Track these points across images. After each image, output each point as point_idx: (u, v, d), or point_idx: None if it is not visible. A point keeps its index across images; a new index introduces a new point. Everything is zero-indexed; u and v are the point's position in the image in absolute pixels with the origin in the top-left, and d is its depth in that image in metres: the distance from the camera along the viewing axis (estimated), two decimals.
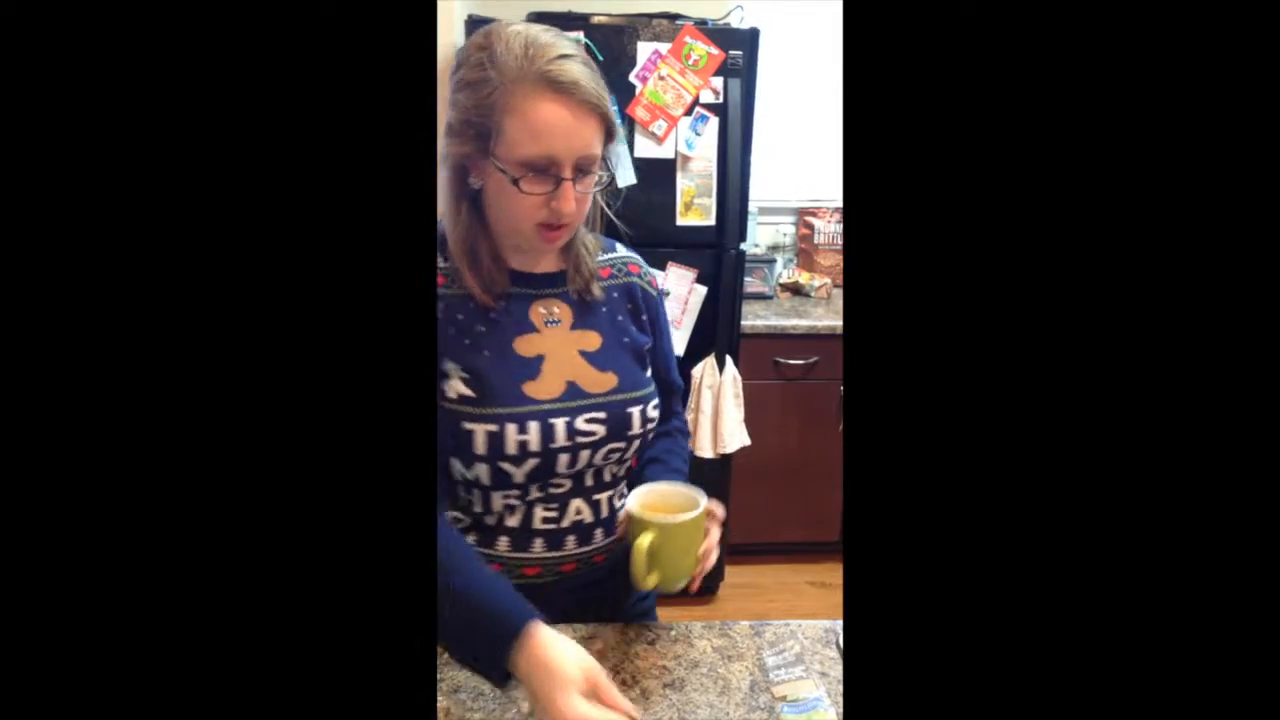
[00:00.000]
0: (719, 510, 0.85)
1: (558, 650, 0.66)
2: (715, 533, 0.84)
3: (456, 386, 0.79)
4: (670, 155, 1.90)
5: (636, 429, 0.87)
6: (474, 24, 1.82)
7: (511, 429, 0.79)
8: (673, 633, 0.88)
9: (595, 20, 1.86)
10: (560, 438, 0.81)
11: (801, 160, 2.63)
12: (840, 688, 0.80)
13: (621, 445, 0.86)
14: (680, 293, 1.96)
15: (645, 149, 1.89)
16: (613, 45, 1.84)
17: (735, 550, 2.33)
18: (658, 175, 1.90)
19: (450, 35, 1.94)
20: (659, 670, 0.82)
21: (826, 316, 2.24)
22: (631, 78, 1.85)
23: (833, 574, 2.33)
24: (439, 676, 0.79)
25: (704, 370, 2.00)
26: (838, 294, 2.48)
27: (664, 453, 0.95)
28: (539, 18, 1.86)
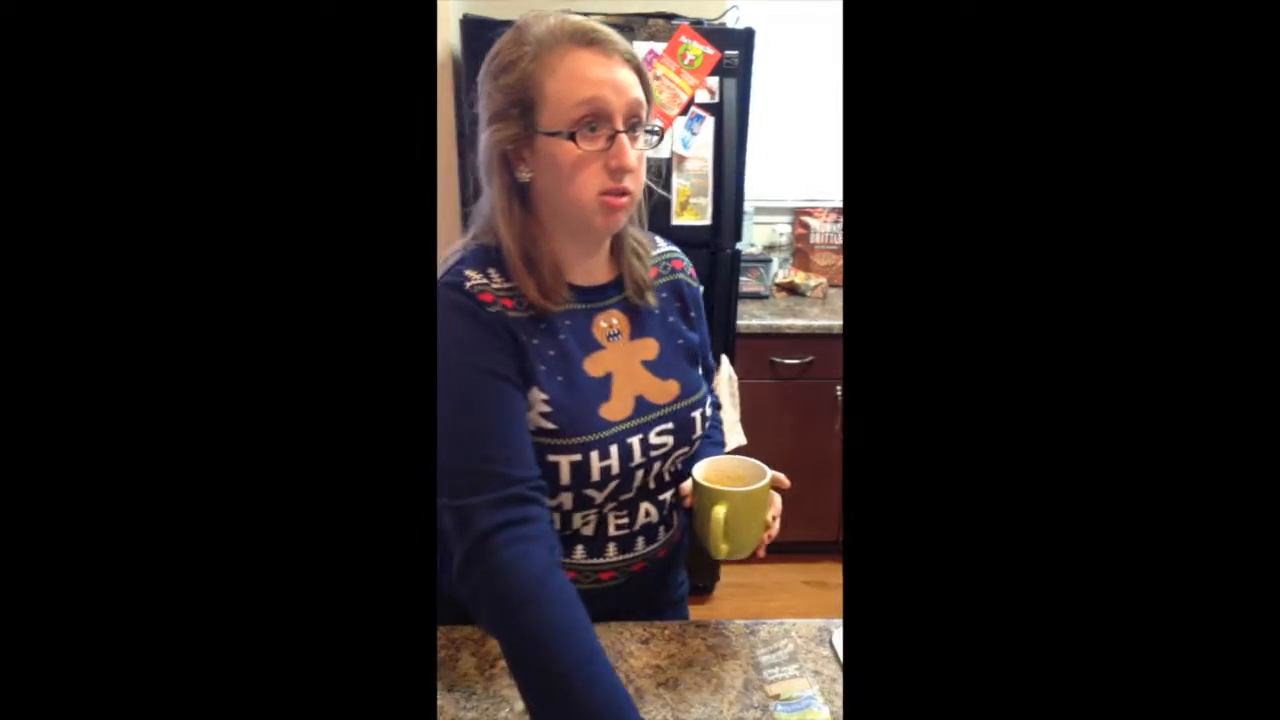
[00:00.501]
0: (784, 480, 0.85)
1: None
2: (778, 501, 0.85)
3: (536, 419, 0.76)
4: (666, 155, 1.90)
5: (699, 431, 0.88)
6: (469, 24, 1.81)
7: (595, 456, 0.78)
8: (667, 631, 0.88)
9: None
10: (637, 456, 0.81)
11: (798, 160, 2.63)
12: (834, 686, 0.80)
13: (686, 449, 0.87)
14: None
15: None
16: None
17: None
18: (653, 174, 1.90)
19: (445, 33, 1.93)
20: (652, 670, 0.82)
21: (822, 316, 2.24)
22: None
23: (829, 573, 2.33)
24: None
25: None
26: (834, 294, 2.49)
27: (710, 428, 0.96)
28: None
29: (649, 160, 0.81)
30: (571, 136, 0.72)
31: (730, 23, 2.02)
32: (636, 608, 0.90)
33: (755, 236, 2.55)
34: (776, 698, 0.78)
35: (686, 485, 0.86)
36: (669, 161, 1.90)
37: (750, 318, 2.18)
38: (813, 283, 2.45)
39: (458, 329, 0.72)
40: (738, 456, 0.86)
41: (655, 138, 0.78)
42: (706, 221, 1.96)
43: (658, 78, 1.84)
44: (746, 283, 2.36)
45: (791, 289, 2.48)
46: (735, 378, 2.04)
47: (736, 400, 2.05)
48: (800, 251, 2.59)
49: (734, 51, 1.86)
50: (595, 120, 0.72)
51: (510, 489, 0.70)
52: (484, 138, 0.76)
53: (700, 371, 0.91)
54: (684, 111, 1.88)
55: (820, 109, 2.57)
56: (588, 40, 0.72)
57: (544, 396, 0.76)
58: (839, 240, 2.56)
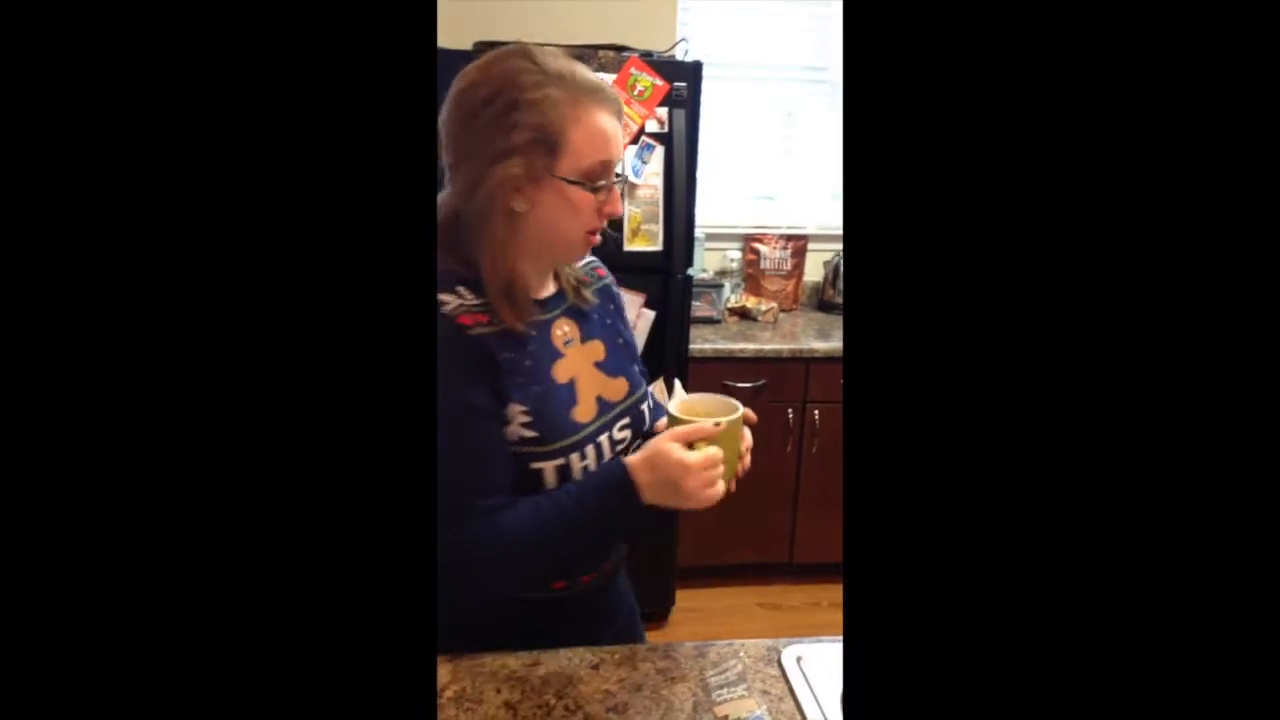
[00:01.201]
0: (753, 415, 0.87)
1: (650, 453, 0.76)
2: (749, 436, 0.87)
3: (518, 430, 0.79)
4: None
5: (649, 423, 0.94)
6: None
7: (575, 458, 0.82)
8: (616, 656, 0.88)
9: None
10: (607, 453, 0.86)
11: (748, 189, 2.69)
12: (781, 705, 0.81)
13: (641, 441, 0.91)
14: (629, 317, 1.98)
15: None
16: None
17: (685, 574, 2.33)
18: None
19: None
20: (602, 694, 0.81)
21: (773, 340, 2.28)
22: None
23: (783, 596, 2.35)
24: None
25: (654, 393, 2.01)
26: (784, 318, 2.54)
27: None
28: (486, 46, 1.87)
29: None
30: (593, 189, 0.79)
31: (680, 55, 2.07)
32: (576, 625, 0.91)
33: (707, 262, 2.59)
34: (725, 718, 0.79)
35: (663, 422, 0.87)
36: (621, 189, 1.93)
37: (703, 342, 2.21)
38: (764, 307, 2.50)
39: (447, 372, 0.72)
40: (708, 394, 0.87)
41: (620, 179, 0.86)
42: (658, 247, 1.98)
43: None
44: (699, 307, 2.39)
45: (743, 314, 2.52)
46: None
47: None
48: (751, 277, 2.64)
49: (683, 83, 1.91)
50: (605, 173, 0.80)
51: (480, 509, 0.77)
52: (492, 169, 0.76)
53: (637, 369, 0.97)
54: (635, 141, 1.91)
55: (771, 140, 2.64)
56: (605, 99, 0.79)
57: (522, 409, 0.79)
58: (788, 266, 2.61)
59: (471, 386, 0.76)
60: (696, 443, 0.78)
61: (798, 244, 2.61)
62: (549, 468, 0.80)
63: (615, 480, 0.78)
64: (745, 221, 2.66)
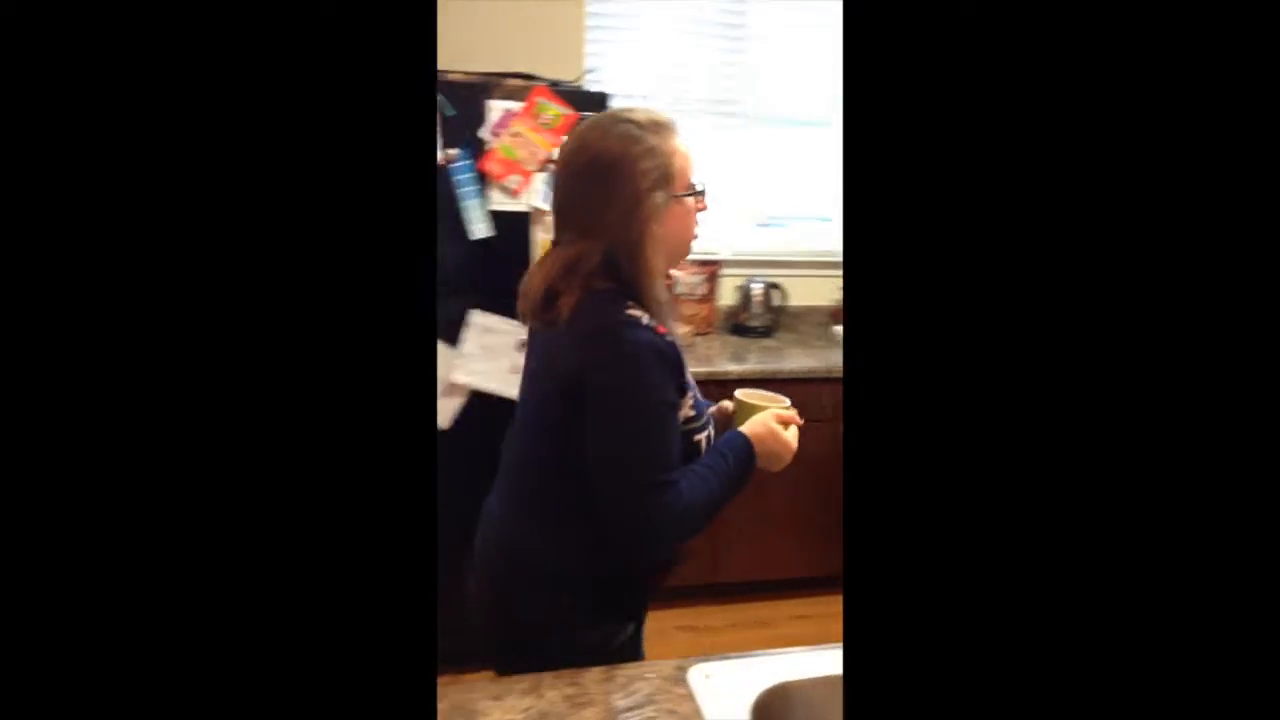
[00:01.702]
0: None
1: (764, 430, 1.05)
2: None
3: (686, 412, 1.00)
4: (525, 209, 1.93)
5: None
6: None
7: (711, 426, 1.07)
8: (521, 685, 0.86)
9: (450, 77, 1.88)
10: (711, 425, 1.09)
11: None
12: None
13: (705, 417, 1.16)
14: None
15: (501, 203, 1.91)
16: (466, 101, 1.86)
17: None
18: (514, 228, 1.92)
19: None
20: None
21: (690, 364, 2.31)
22: (484, 133, 1.88)
23: (703, 617, 2.36)
24: None
25: None
26: (700, 342, 2.58)
27: None
28: None
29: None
30: (702, 194, 1.06)
31: (586, 86, 2.10)
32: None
33: None
34: None
35: (727, 404, 1.16)
36: (529, 215, 1.94)
37: None
38: (680, 331, 2.53)
39: (648, 368, 0.94)
40: (757, 390, 1.15)
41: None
42: None
43: (516, 135, 1.88)
44: None
45: None
46: None
47: None
48: None
49: (591, 113, 1.93)
50: (694, 182, 1.05)
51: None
52: (638, 209, 0.97)
53: None
54: (543, 168, 1.92)
55: None
56: (677, 129, 1.04)
57: (691, 399, 1.02)
58: (702, 290, 2.66)
59: (668, 385, 0.95)
60: (755, 415, 1.08)
61: (711, 269, 2.66)
62: (703, 439, 1.04)
63: (746, 450, 1.03)
64: None
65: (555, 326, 0.97)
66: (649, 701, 0.84)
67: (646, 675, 0.89)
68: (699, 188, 1.05)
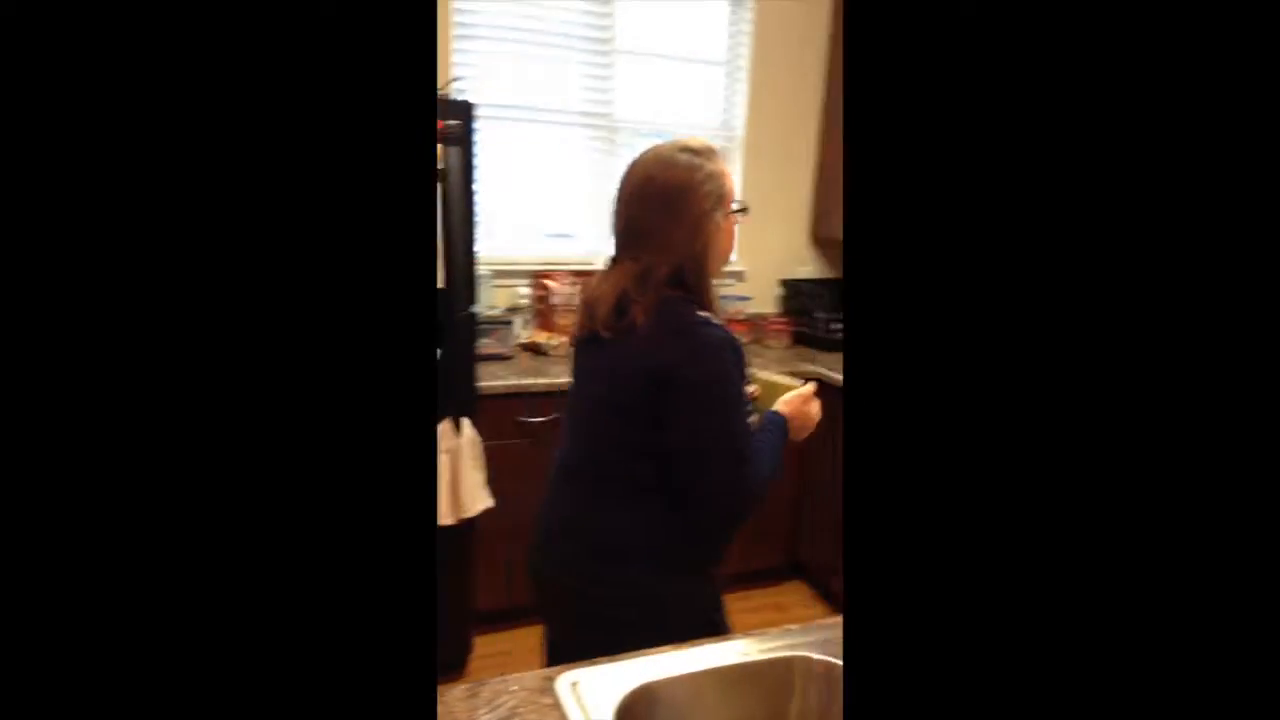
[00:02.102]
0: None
1: (797, 408, 1.25)
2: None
3: (750, 395, 1.20)
4: None
5: None
6: None
7: (757, 414, 1.22)
8: None
9: None
10: None
11: (539, 226, 2.73)
12: None
13: None
14: None
15: None
16: None
17: (484, 619, 2.26)
18: None
19: None
20: None
21: (566, 374, 2.30)
22: None
23: None
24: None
25: (440, 435, 1.95)
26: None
27: None
28: None
29: None
30: (746, 211, 1.23)
31: (453, 94, 2.07)
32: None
33: (496, 299, 2.58)
34: None
35: (753, 387, 1.27)
36: None
37: (494, 378, 2.19)
38: (555, 342, 2.52)
39: (726, 358, 1.11)
40: (773, 373, 1.34)
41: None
42: (439, 285, 1.95)
43: None
44: (489, 344, 2.37)
45: (535, 349, 2.53)
46: (479, 440, 2.02)
47: (481, 463, 2.03)
48: (541, 312, 2.66)
49: (456, 121, 1.91)
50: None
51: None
52: (703, 226, 1.15)
53: None
54: None
55: (554, 179, 2.71)
56: (721, 154, 1.20)
57: (748, 384, 1.18)
58: (578, 301, 2.67)
59: (740, 372, 1.13)
60: (780, 396, 1.27)
61: (586, 279, 2.68)
62: (756, 417, 1.21)
63: (783, 425, 1.22)
64: (535, 258, 2.69)
65: (627, 334, 1.11)
66: (513, 715, 0.84)
67: (511, 688, 0.88)
68: (741, 206, 1.23)
